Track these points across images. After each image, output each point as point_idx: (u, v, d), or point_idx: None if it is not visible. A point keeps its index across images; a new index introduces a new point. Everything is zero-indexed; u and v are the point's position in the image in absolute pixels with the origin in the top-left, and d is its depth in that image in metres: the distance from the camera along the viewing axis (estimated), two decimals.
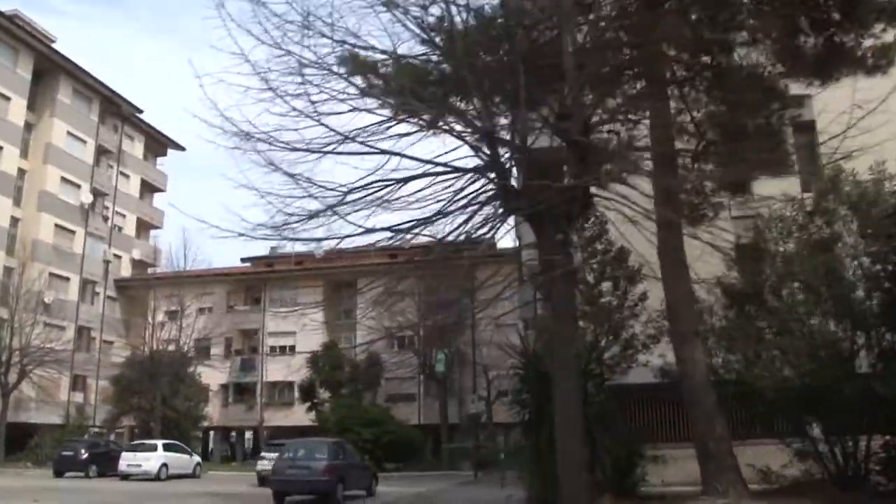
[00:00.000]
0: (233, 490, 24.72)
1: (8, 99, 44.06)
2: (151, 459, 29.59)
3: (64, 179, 47.99)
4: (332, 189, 10.77)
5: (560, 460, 10.51)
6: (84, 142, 49.67)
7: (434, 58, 11.39)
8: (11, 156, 44.50)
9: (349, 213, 10.92)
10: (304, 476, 18.79)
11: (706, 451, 12.69)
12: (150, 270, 56.96)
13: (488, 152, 10.73)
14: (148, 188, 56.97)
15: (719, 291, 15.41)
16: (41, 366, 40.27)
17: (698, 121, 14.68)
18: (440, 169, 10.66)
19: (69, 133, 48.48)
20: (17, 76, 44.69)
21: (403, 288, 46.22)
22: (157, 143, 57.67)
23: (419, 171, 10.67)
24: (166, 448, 30.91)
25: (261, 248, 48.76)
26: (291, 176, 10.97)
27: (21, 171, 45.91)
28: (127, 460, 29.72)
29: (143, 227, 56.68)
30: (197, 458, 33.16)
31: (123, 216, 53.94)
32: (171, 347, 41.95)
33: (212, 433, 50.33)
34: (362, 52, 11.09)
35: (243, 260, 54.60)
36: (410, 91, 9.95)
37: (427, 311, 46.16)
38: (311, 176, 11.00)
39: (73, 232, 48.53)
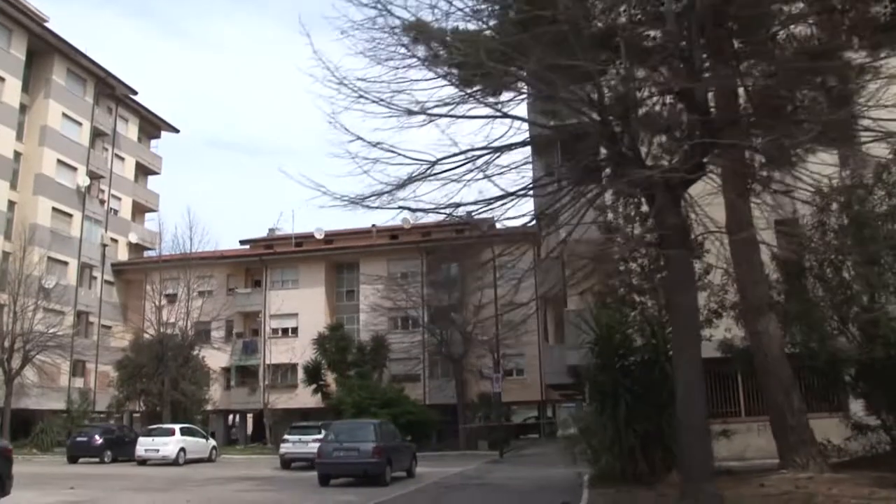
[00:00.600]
0: (261, 474, 24.53)
1: (2, 80, 43.12)
2: (169, 444, 29.34)
3: (60, 162, 47.18)
4: (420, 160, 10.65)
5: (683, 430, 10.39)
6: (79, 124, 48.82)
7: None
8: (7, 138, 43.64)
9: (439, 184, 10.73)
10: (352, 458, 18.65)
11: (783, 425, 12.69)
12: (145, 254, 56.51)
13: (598, 118, 10.50)
14: (143, 171, 56.18)
15: (774, 265, 15.38)
16: (45, 351, 39.82)
17: (753, 92, 14.56)
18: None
19: (64, 115, 47.62)
20: (12, 56, 43.71)
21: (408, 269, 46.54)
22: (151, 126, 56.84)
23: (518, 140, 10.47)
24: (183, 432, 30.67)
25: (260, 230, 48.47)
26: (374, 146, 10.88)
27: (16, 154, 45.05)
28: (144, 445, 29.43)
29: (139, 210, 55.95)
30: (213, 442, 33.01)
31: (119, 199, 53.19)
32: (174, 331, 41.41)
33: (211, 416, 49.98)
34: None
35: (242, 242, 54.10)
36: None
37: (433, 291, 46.65)
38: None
39: (70, 215, 47.78)
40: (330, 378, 42.96)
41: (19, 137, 45.12)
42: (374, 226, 51.21)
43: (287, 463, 26.87)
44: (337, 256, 50.03)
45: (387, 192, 10.84)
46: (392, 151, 10.81)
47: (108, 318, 51.19)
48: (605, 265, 15.74)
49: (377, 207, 11.15)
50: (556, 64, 9.63)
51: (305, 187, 10.65)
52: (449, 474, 21.10)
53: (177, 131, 58.12)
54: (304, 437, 27.06)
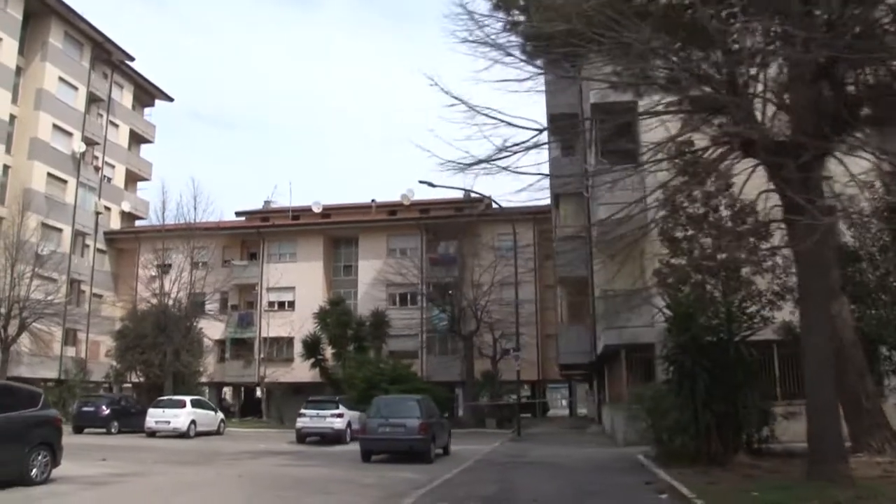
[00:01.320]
0: (282, 448, 24.47)
1: None
2: (181, 416, 29.11)
3: (56, 127, 46.25)
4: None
5: (814, 411, 10.43)
6: (75, 88, 47.82)
7: None
8: (3, 100, 42.70)
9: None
10: (399, 434, 18.54)
11: (857, 409, 12.85)
12: (137, 223, 55.76)
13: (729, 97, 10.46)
14: (136, 139, 55.24)
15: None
16: (41, 319, 39.28)
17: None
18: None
19: (61, 79, 46.63)
20: (9, 16, 42.62)
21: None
22: (146, 93, 55.82)
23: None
24: (194, 404, 30.44)
25: (255, 202, 48.03)
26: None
27: (11, 117, 44.07)
28: (155, 417, 29.16)
29: (132, 178, 55.03)
30: (221, 415, 32.78)
31: (113, 167, 52.29)
32: (173, 301, 40.96)
33: (205, 389, 49.73)
34: None
35: (238, 214, 53.59)
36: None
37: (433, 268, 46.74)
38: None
39: (64, 182, 46.94)
40: (328, 353, 42.99)
41: (14, 100, 44.12)
42: (373, 201, 51.19)
43: (303, 437, 26.84)
44: (335, 231, 49.72)
45: (498, 158, 10.90)
46: (499, 119, 10.86)
47: (100, 287, 50.56)
48: (672, 245, 15.80)
49: (485, 173, 11.14)
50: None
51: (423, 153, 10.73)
52: (483, 452, 21.10)
53: (171, 100, 57.27)
54: (321, 412, 27.03)
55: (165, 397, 31.57)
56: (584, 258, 31.20)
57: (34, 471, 12.92)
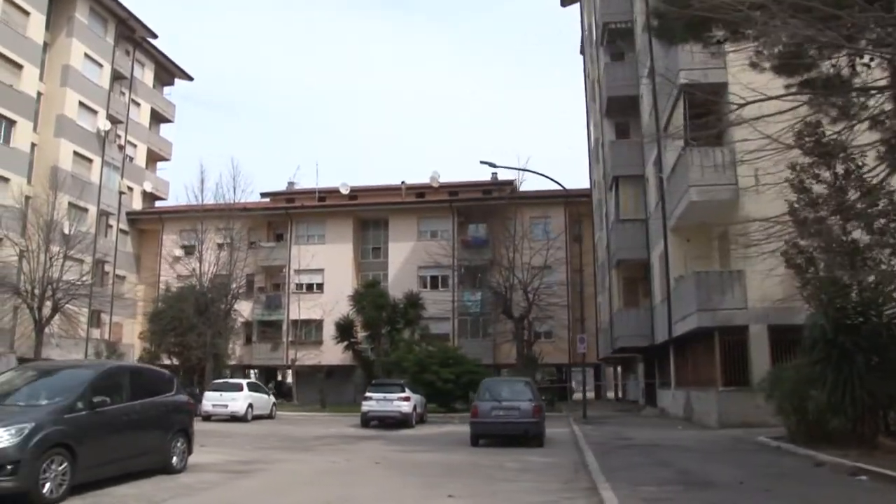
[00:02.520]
0: (354, 432, 24.09)
1: (27, 13, 41.02)
2: (238, 400, 28.65)
3: (82, 104, 45.36)
4: None
5: None
6: (100, 65, 46.88)
7: None
8: (31, 76, 41.67)
9: None
10: (513, 418, 18.11)
11: None
12: (156, 203, 54.94)
13: None
14: (157, 118, 54.28)
15: None
16: (74, 300, 38.57)
17: None
18: None
19: (86, 55, 45.69)
20: None
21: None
22: (166, 72, 54.81)
23: None
24: (251, 388, 30.02)
25: (276, 184, 47.18)
26: None
27: (38, 95, 43.06)
28: (212, 400, 28.66)
29: (152, 158, 54.12)
30: (273, 399, 32.34)
31: (135, 146, 51.35)
32: (207, 283, 40.21)
33: (228, 371, 49.22)
34: None
35: (263, 195, 52.73)
36: None
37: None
38: None
39: (90, 160, 46.07)
40: (362, 335, 42.62)
41: (41, 77, 43.12)
42: (403, 182, 50.65)
43: (368, 421, 26.45)
44: (365, 212, 49.15)
45: None
46: None
47: (122, 269, 49.77)
48: (800, 227, 15.50)
49: None
50: None
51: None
52: (576, 435, 20.80)
53: (191, 79, 56.28)
54: (388, 395, 26.63)
55: (222, 380, 31.07)
56: (643, 241, 31.14)
57: (174, 458, 12.48)
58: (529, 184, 53.11)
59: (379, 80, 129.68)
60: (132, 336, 49.24)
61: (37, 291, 36.95)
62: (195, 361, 37.90)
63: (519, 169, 38.87)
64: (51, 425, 9.79)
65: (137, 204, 51.89)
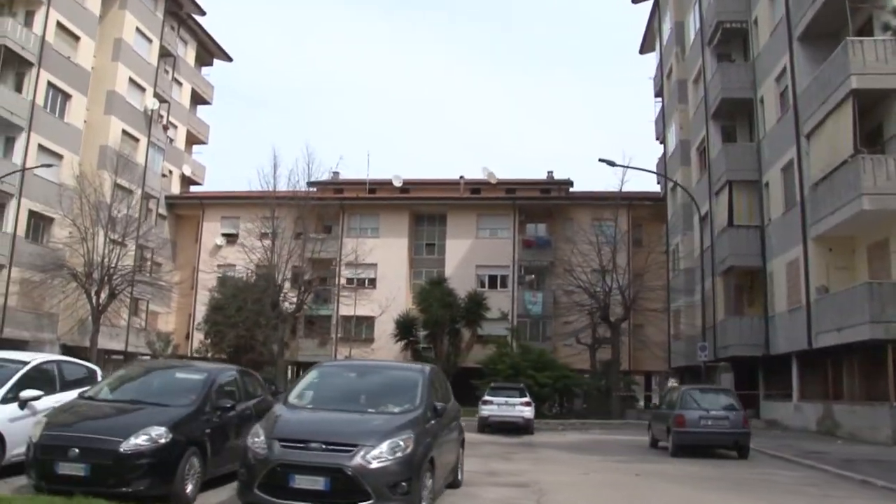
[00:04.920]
0: (479, 438, 22.63)
1: None
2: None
3: (132, 81, 43.13)
4: None
5: None
6: (150, 41, 44.68)
7: None
8: (87, 48, 39.38)
9: None
10: (723, 427, 17.45)
11: None
12: (191, 188, 52.71)
13: None
14: (196, 99, 52.06)
15: None
16: (131, 287, 36.61)
17: None
18: None
19: (138, 29, 43.44)
20: None
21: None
22: (207, 52, 52.55)
23: None
24: None
25: (326, 173, 45.12)
26: None
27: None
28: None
29: (190, 141, 51.87)
30: None
31: (175, 128, 49.07)
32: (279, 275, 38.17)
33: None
34: None
35: (310, 184, 50.56)
36: None
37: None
38: None
39: (136, 140, 43.79)
40: (422, 334, 41.17)
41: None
42: (462, 177, 49.15)
43: (485, 426, 25.00)
44: (420, 207, 47.43)
45: None
46: None
47: (159, 255, 47.48)
48: None
49: None
50: None
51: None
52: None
53: (230, 60, 53.98)
54: (510, 400, 25.26)
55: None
56: (757, 248, 30.17)
57: None
58: (581, 185, 51.84)
59: (410, 75, 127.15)
60: (167, 325, 47.07)
61: (95, 276, 34.89)
62: (255, 356, 36.03)
63: (629, 167, 37.42)
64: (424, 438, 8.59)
65: (175, 188, 49.61)
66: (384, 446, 7.89)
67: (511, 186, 48.52)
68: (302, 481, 7.72)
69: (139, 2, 43.33)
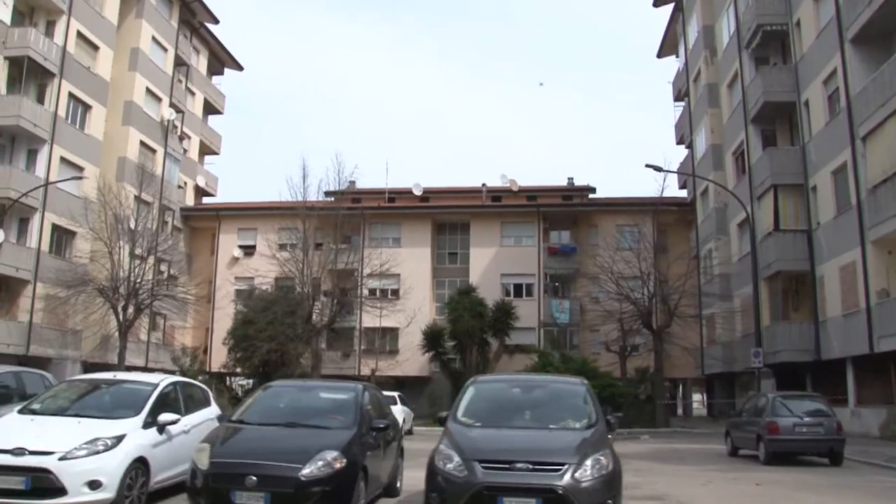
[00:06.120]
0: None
1: None
2: (393, 414, 26.35)
3: (149, 91, 42.27)
4: None
5: None
6: (165, 50, 43.83)
7: None
8: (106, 58, 38.54)
9: None
10: (819, 434, 17.30)
11: None
12: (203, 200, 51.83)
13: None
14: (208, 109, 51.20)
15: None
16: (158, 301, 35.75)
17: None
18: None
19: (154, 38, 42.61)
20: None
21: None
22: (218, 61, 51.74)
23: None
24: (402, 401, 27.79)
25: (333, 182, 44.35)
26: None
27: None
28: None
29: (203, 151, 51.01)
30: (412, 413, 30.09)
31: (189, 138, 48.20)
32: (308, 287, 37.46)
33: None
34: None
35: (327, 194, 49.83)
36: None
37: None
38: None
39: (154, 151, 42.92)
40: (450, 345, 40.50)
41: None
42: (484, 185, 48.63)
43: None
44: (442, 215, 46.78)
45: None
46: None
47: (174, 268, 46.52)
48: None
49: None
50: None
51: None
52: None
53: (241, 69, 53.16)
54: None
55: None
56: (804, 252, 29.86)
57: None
58: (603, 191, 51.60)
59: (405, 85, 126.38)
60: (184, 340, 46.11)
61: (122, 291, 34.00)
62: (291, 372, 35.20)
63: (672, 171, 36.83)
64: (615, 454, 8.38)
65: (190, 199, 48.72)
66: (588, 464, 7.65)
67: (532, 193, 48.08)
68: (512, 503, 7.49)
69: (155, 10, 42.52)
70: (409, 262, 44.59)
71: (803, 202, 30.29)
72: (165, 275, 44.94)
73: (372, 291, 45.03)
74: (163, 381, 11.03)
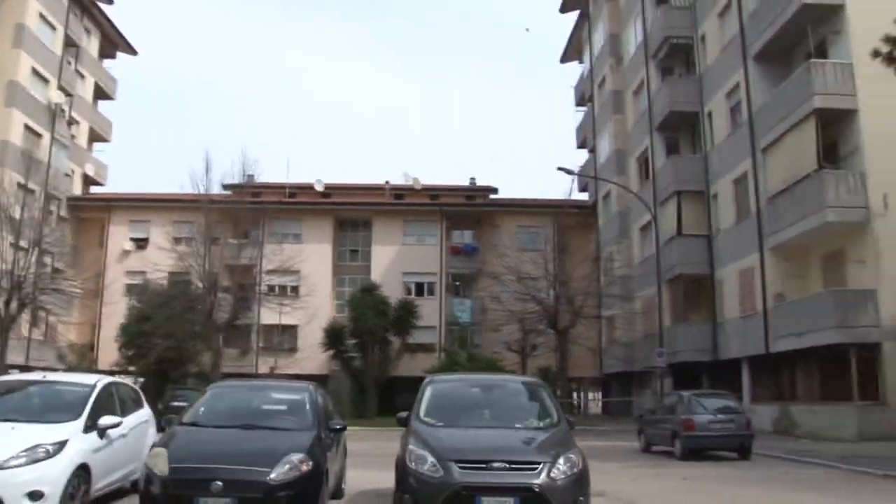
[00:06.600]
0: None
1: None
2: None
3: (34, 72, 39.64)
4: None
5: None
6: (53, 28, 41.24)
7: None
8: None
9: None
10: (731, 430, 18.16)
11: None
12: (91, 189, 49.16)
13: None
14: (99, 94, 48.47)
15: None
16: (44, 295, 33.61)
17: None
18: None
19: (41, 16, 40.01)
20: None
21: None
22: (110, 43, 49.08)
23: None
24: None
25: (238, 176, 42.96)
26: None
27: None
28: None
29: (92, 138, 48.27)
30: None
31: (77, 124, 45.52)
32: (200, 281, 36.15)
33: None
34: None
35: (225, 187, 48.10)
36: None
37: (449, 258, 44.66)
38: None
39: (39, 136, 40.30)
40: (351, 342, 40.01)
41: None
42: (387, 182, 48.23)
43: None
44: (345, 212, 46.11)
45: None
46: None
47: (59, 261, 43.82)
48: None
49: None
50: None
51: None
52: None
53: (135, 53, 50.68)
54: None
55: None
56: (705, 257, 31.12)
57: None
58: (506, 191, 52.27)
59: (312, 74, 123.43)
60: (69, 337, 43.48)
61: (3, 284, 31.77)
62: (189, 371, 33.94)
63: (583, 175, 37.55)
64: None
65: (77, 188, 46.06)
66: (560, 462, 7.70)
67: (435, 192, 48.13)
68: (491, 503, 7.46)
69: None
70: (310, 258, 43.62)
71: (704, 208, 31.56)
72: (49, 268, 42.47)
73: (271, 288, 43.85)
74: (99, 381, 10.27)
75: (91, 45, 46.78)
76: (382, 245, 44.83)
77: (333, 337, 39.96)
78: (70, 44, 42.97)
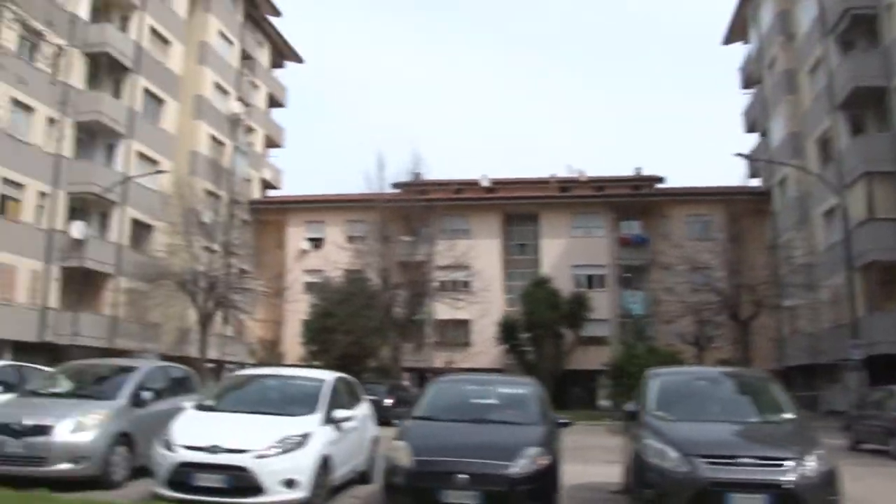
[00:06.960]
0: None
1: None
2: None
3: (217, 85, 42.16)
4: None
5: None
6: (231, 43, 43.71)
7: None
8: (177, 53, 38.48)
9: None
10: None
11: None
12: (266, 193, 51.71)
13: None
14: (271, 102, 50.98)
15: None
16: (236, 294, 35.61)
17: None
18: None
19: (220, 33, 42.49)
20: None
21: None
22: (279, 54, 51.44)
23: None
24: None
25: (406, 174, 43.87)
26: None
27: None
28: None
29: (267, 144, 50.83)
30: None
31: (254, 132, 48.04)
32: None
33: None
34: None
35: (394, 186, 49.36)
36: None
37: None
38: None
39: (223, 145, 42.81)
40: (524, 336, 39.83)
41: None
42: (552, 175, 47.79)
43: None
44: (511, 207, 46.09)
45: None
46: None
47: (243, 262, 46.42)
48: None
49: None
50: None
51: None
52: None
53: (301, 61, 52.87)
54: None
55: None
56: None
57: None
58: (672, 181, 50.43)
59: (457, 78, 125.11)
60: (255, 333, 46.03)
61: (202, 284, 33.90)
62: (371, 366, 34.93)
63: (771, 162, 35.77)
64: None
65: (256, 193, 48.60)
66: (811, 459, 7.36)
67: (601, 183, 47.07)
68: (741, 500, 7.16)
69: (221, 4, 42.37)
70: (480, 253, 43.78)
71: None
72: (236, 269, 45.08)
73: (443, 284, 44.44)
74: (330, 377, 10.58)
75: (263, 56, 49.15)
76: (550, 238, 44.42)
77: (507, 331, 40.05)
78: (245, 56, 45.37)
